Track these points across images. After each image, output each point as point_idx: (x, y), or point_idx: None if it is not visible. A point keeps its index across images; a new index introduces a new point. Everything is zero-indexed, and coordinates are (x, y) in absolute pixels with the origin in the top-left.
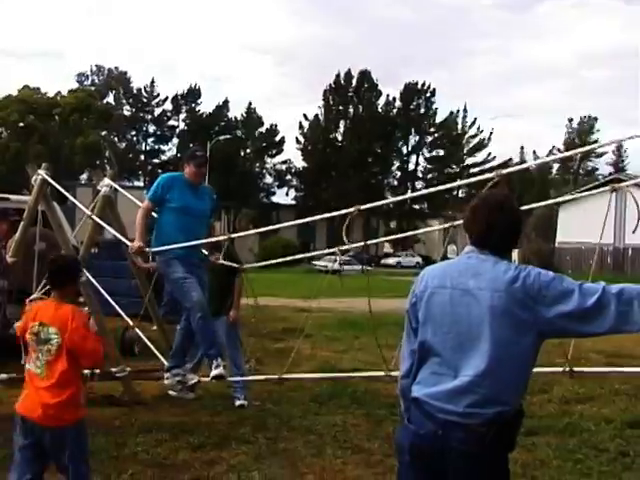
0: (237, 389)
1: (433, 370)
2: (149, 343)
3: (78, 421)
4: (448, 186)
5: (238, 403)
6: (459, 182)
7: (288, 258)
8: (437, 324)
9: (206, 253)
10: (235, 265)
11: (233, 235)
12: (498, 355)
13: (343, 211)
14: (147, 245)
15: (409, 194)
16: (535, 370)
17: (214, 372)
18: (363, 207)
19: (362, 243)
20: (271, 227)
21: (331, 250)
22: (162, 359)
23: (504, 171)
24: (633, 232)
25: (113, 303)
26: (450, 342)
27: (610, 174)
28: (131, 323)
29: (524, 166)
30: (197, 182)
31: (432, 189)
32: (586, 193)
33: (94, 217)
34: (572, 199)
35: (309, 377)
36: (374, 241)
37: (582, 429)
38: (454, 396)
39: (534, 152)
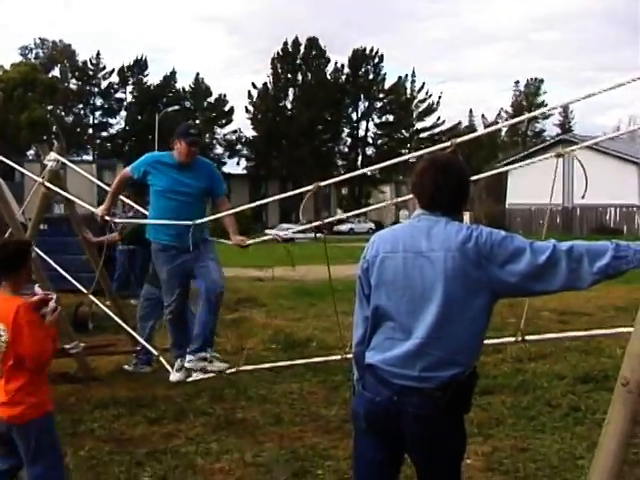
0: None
1: (387, 335)
2: (118, 319)
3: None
4: (404, 158)
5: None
6: (413, 154)
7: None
8: (390, 288)
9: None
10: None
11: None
12: (451, 316)
13: (303, 189)
14: (111, 214)
15: (369, 168)
16: (487, 342)
17: (175, 376)
18: (323, 183)
19: (340, 216)
20: (245, 207)
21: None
22: (134, 333)
23: (458, 140)
24: (582, 197)
25: (69, 278)
26: (404, 306)
27: (557, 135)
28: (93, 299)
29: (484, 132)
30: (187, 161)
31: (391, 161)
32: (532, 160)
33: (47, 184)
34: (519, 166)
35: (265, 367)
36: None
37: (535, 386)
38: (408, 360)
39: (483, 115)
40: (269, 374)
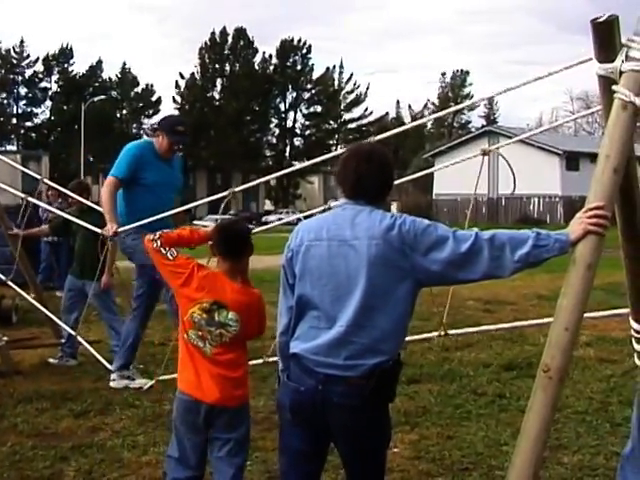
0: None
1: (312, 324)
2: (46, 311)
3: None
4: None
5: None
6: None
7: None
8: (315, 277)
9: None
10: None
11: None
12: (375, 304)
13: (220, 195)
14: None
15: (303, 164)
16: (411, 338)
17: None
18: (237, 189)
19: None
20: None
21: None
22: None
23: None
24: (512, 193)
25: None
26: (328, 294)
27: (483, 126)
28: (19, 290)
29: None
30: (167, 156)
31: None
32: (462, 158)
33: None
34: (451, 164)
35: None
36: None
37: (461, 375)
38: (333, 348)
39: (409, 106)
40: None
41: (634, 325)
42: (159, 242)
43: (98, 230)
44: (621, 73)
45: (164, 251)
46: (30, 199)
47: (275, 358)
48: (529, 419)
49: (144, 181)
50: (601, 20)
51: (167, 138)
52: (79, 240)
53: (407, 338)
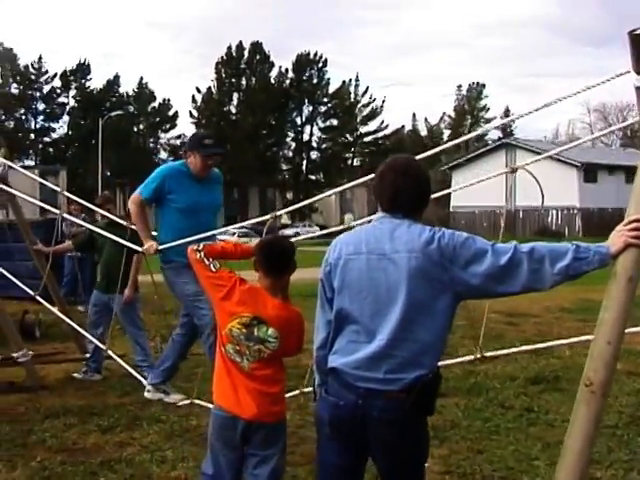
0: (144, 369)
1: (351, 339)
2: (75, 325)
3: None
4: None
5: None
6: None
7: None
8: (354, 291)
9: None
10: (131, 245)
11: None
12: (415, 317)
13: (263, 217)
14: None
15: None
16: (447, 362)
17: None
18: (279, 212)
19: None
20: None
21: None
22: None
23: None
24: (542, 209)
25: (21, 285)
26: (368, 308)
27: (499, 138)
28: (45, 303)
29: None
30: (203, 176)
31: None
32: (487, 176)
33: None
34: (474, 183)
35: None
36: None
37: (488, 388)
38: (373, 362)
39: (426, 119)
40: None
41: None
42: (202, 253)
43: (133, 246)
44: None
45: (207, 262)
46: (66, 215)
47: (310, 389)
48: (572, 434)
49: (177, 205)
50: (638, 32)
51: (199, 155)
52: (105, 255)
53: (444, 362)
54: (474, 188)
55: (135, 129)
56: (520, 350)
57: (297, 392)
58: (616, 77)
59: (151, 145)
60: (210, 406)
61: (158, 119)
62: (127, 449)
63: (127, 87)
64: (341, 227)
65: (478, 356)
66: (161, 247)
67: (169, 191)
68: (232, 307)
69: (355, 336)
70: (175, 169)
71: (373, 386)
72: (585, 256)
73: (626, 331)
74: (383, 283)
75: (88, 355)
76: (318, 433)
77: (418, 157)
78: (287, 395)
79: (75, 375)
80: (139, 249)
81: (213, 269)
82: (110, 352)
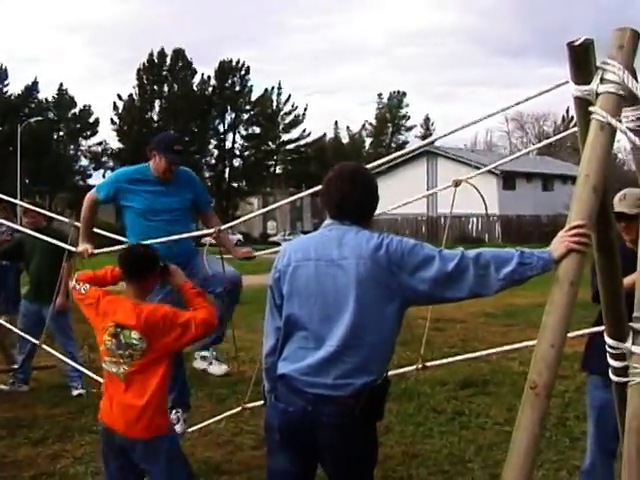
0: (73, 378)
1: (300, 345)
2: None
3: None
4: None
5: (76, 392)
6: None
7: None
8: (303, 297)
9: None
10: (69, 247)
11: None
12: (364, 323)
13: (202, 232)
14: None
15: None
16: (390, 373)
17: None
18: (224, 227)
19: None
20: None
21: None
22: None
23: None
24: (486, 217)
25: None
26: (317, 314)
27: (420, 147)
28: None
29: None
30: (166, 178)
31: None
32: (433, 190)
33: None
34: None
35: None
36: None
37: (419, 393)
38: (322, 368)
39: (348, 127)
40: None
41: (609, 341)
42: (75, 281)
43: (71, 248)
44: (597, 95)
45: (78, 287)
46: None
47: (254, 404)
48: (518, 436)
49: (134, 208)
50: (577, 43)
51: (164, 159)
52: (35, 263)
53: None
54: (396, 195)
55: (55, 136)
56: (461, 359)
57: (239, 409)
58: (556, 87)
59: (71, 152)
60: None
61: (79, 126)
62: (60, 461)
63: (47, 93)
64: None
65: (420, 366)
66: (96, 251)
67: (127, 193)
68: (100, 321)
69: (304, 342)
70: (135, 171)
71: (322, 392)
72: (529, 262)
73: (568, 335)
74: (332, 289)
75: (16, 366)
76: (268, 440)
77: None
78: (228, 413)
79: (1, 387)
80: (73, 249)
81: (83, 291)
82: (45, 346)
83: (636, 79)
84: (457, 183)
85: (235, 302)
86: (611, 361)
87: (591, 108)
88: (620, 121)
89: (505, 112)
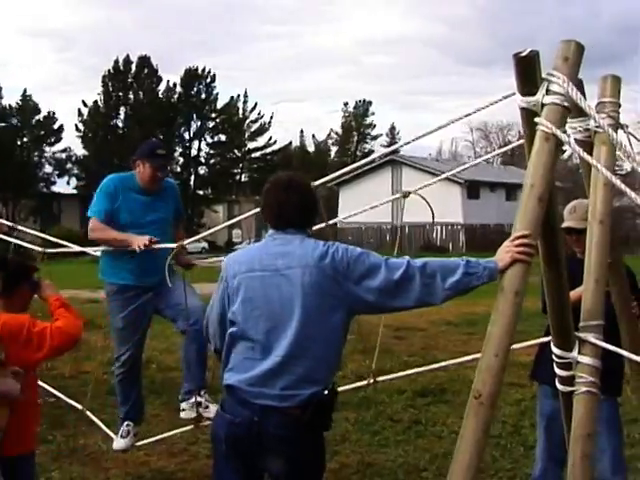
0: None
1: (246, 355)
2: None
3: None
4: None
5: None
6: None
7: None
8: (249, 308)
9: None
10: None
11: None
12: (309, 333)
13: (166, 245)
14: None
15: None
16: (341, 389)
17: (119, 443)
18: (186, 242)
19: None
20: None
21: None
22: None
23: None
24: (433, 225)
25: None
26: (263, 325)
27: (386, 155)
28: None
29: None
30: (152, 188)
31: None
32: (385, 200)
33: None
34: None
35: None
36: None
37: (377, 401)
38: (269, 378)
39: (313, 136)
40: (110, 398)
41: (555, 351)
42: None
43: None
44: (543, 106)
45: None
46: None
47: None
48: (462, 445)
49: (119, 220)
50: (523, 55)
51: (148, 165)
52: None
53: (339, 389)
54: (360, 205)
55: (19, 142)
56: (413, 372)
57: (191, 426)
58: (503, 99)
59: (35, 159)
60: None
61: (43, 132)
62: None
63: (10, 99)
64: None
65: (371, 381)
66: (155, 246)
67: (115, 203)
68: None
69: (251, 353)
70: (121, 182)
71: (269, 402)
72: (475, 271)
73: (513, 347)
74: (277, 299)
75: None
76: (214, 451)
77: (332, 175)
78: (184, 429)
79: None
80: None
81: None
82: None
83: (581, 91)
84: (405, 195)
85: (197, 344)
86: (558, 370)
87: (537, 119)
88: (565, 132)
89: (469, 122)
